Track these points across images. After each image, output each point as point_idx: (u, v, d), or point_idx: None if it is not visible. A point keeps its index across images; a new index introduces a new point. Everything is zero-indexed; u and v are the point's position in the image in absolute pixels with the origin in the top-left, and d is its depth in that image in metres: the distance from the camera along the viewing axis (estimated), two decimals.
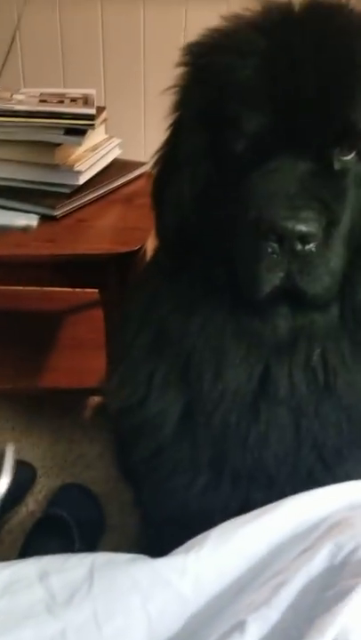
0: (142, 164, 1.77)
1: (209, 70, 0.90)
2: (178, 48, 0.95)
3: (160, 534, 1.26)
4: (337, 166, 0.85)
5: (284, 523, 0.81)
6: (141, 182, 1.71)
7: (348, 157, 0.86)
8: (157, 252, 1.15)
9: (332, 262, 0.85)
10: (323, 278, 0.86)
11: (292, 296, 0.90)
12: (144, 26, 2.51)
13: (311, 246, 0.82)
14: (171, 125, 0.99)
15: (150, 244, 1.37)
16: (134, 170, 1.75)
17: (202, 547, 0.81)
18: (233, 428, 1.03)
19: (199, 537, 0.85)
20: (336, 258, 0.86)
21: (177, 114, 0.97)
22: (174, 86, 0.96)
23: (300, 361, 0.99)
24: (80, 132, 1.54)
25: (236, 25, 0.90)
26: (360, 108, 0.83)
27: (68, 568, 0.82)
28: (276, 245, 0.82)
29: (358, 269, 0.93)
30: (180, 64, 0.94)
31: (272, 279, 0.86)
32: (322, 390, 1.01)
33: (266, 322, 0.98)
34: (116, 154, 1.79)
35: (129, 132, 2.00)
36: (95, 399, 1.90)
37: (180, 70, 0.94)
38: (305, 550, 0.76)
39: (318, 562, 0.71)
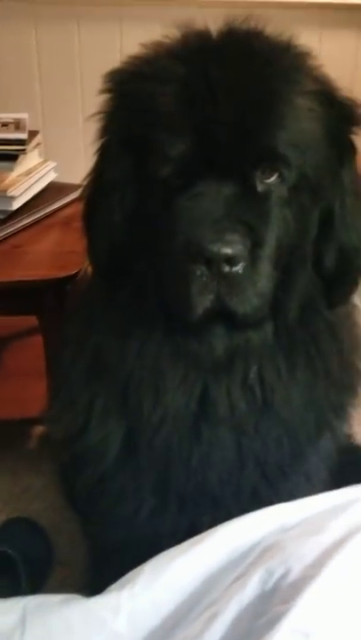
0: (80, 186, 1.76)
1: (131, 97, 0.90)
2: None
3: (108, 564, 1.23)
4: (260, 188, 0.87)
5: (218, 551, 0.81)
6: (79, 205, 1.69)
7: (271, 180, 0.87)
8: (92, 276, 1.14)
9: (259, 283, 0.86)
10: (251, 299, 0.87)
11: (225, 316, 0.91)
12: (79, 47, 2.52)
13: (238, 268, 0.83)
14: (98, 151, 0.98)
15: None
16: (71, 193, 1.74)
17: (135, 583, 0.80)
18: (175, 451, 1.03)
19: (132, 572, 0.83)
20: (264, 278, 0.87)
21: (103, 139, 0.97)
22: (99, 112, 0.96)
23: (237, 379, 1.00)
24: (12, 157, 1.52)
25: (155, 52, 0.91)
26: (278, 132, 0.85)
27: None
28: (204, 268, 0.83)
29: (288, 288, 0.94)
30: (102, 91, 0.94)
31: (203, 301, 0.86)
32: (261, 407, 1.02)
33: (202, 342, 0.98)
34: (51, 177, 1.77)
35: (67, 155, 1.99)
36: (39, 429, 1.85)
37: (104, 97, 0.94)
38: (238, 578, 0.75)
39: (250, 589, 0.71)
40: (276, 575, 0.71)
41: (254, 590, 0.71)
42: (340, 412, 1.12)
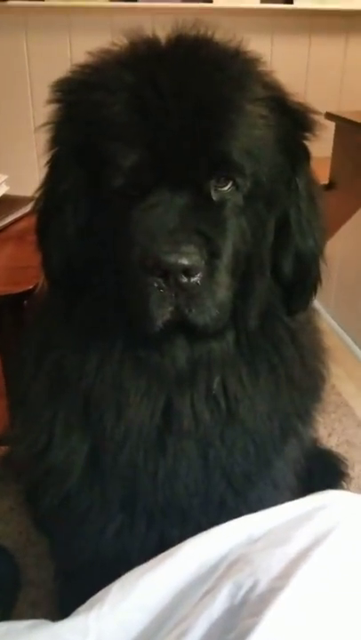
0: (33, 199, 1.73)
1: (80, 107, 0.89)
2: None
3: (77, 583, 1.20)
4: (215, 197, 0.86)
5: (186, 566, 0.79)
6: (33, 218, 1.66)
7: (225, 188, 0.87)
8: (49, 290, 1.11)
9: (218, 293, 0.86)
10: (211, 309, 0.85)
11: (186, 327, 0.89)
12: (28, 56, 2.48)
13: (196, 279, 0.82)
14: (48, 162, 0.96)
15: None
16: (24, 206, 1.71)
17: (103, 604, 0.78)
18: (141, 466, 1.01)
19: (100, 593, 0.81)
20: (222, 288, 0.86)
21: (53, 151, 0.95)
22: (48, 123, 0.94)
23: (201, 390, 0.99)
24: None
25: (103, 60, 0.90)
26: (231, 140, 0.84)
27: None
28: (161, 280, 0.82)
29: (247, 296, 0.94)
30: (50, 101, 0.92)
31: (162, 313, 0.85)
32: (225, 418, 1.01)
33: (164, 355, 0.96)
34: (3, 191, 1.74)
35: (19, 167, 1.95)
36: (1, 449, 1.80)
37: (52, 107, 0.92)
38: (207, 592, 0.74)
39: (219, 604, 0.70)
40: (245, 588, 0.70)
41: (223, 604, 0.70)
42: (306, 417, 1.12)
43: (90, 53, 0.91)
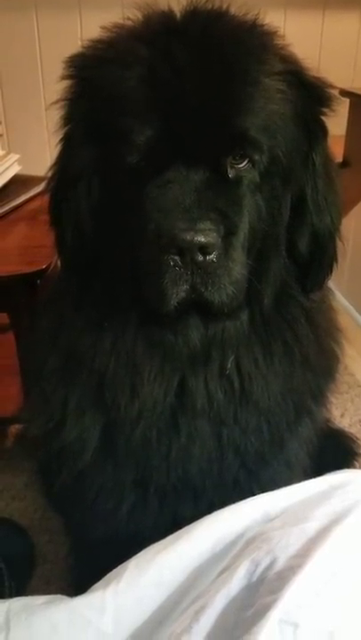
0: (45, 178, 1.72)
1: (94, 82, 0.87)
2: None
3: (91, 561, 1.22)
4: (231, 174, 0.85)
5: (202, 544, 0.80)
6: (45, 198, 1.66)
7: (242, 165, 0.85)
8: (62, 270, 1.11)
9: (234, 271, 0.85)
10: (227, 287, 0.85)
11: (200, 306, 0.89)
12: (39, 35, 2.45)
13: (212, 256, 0.81)
14: (61, 140, 0.95)
15: None
16: (37, 185, 1.70)
17: (120, 580, 0.79)
18: (154, 445, 1.01)
19: (116, 569, 0.82)
20: (238, 266, 0.85)
21: (66, 128, 0.93)
22: (61, 100, 0.92)
23: (214, 370, 0.99)
24: None
25: (117, 35, 0.88)
26: (248, 115, 0.83)
27: None
28: (177, 258, 0.81)
29: (262, 275, 0.93)
30: (63, 77, 0.91)
31: (178, 292, 0.84)
32: (239, 397, 1.01)
33: (177, 334, 0.96)
34: (15, 170, 1.73)
35: (31, 146, 1.94)
36: (16, 427, 1.81)
37: (65, 83, 0.91)
38: (223, 570, 0.74)
39: (236, 581, 0.70)
40: (263, 566, 0.70)
41: (241, 582, 0.71)
42: (320, 397, 1.12)
43: (104, 28, 0.89)
